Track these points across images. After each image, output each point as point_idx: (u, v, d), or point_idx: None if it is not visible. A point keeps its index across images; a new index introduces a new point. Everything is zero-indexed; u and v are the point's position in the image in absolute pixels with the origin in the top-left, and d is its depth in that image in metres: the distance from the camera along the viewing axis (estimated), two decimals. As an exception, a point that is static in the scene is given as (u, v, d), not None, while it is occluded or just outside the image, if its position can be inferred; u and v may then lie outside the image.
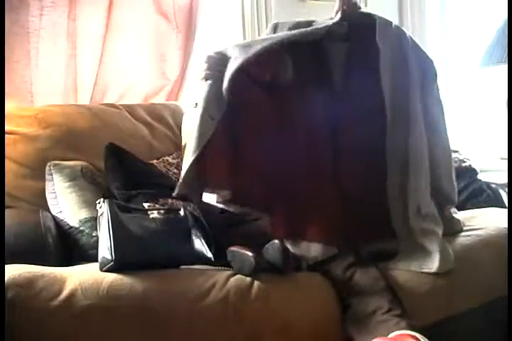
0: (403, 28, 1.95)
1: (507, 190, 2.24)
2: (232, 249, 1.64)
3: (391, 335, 1.45)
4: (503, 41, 2.56)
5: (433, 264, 1.69)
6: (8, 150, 2.04)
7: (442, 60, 3.34)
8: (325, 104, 1.85)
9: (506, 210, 2.20)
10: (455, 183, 1.92)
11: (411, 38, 1.92)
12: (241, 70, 1.66)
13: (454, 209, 1.96)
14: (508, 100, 2.55)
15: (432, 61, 1.94)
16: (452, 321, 1.69)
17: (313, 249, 1.74)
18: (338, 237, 1.76)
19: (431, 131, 1.85)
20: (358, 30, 1.88)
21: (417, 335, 1.43)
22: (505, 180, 2.46)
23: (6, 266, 1.44)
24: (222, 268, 1.64)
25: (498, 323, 1.76)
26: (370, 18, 1.89)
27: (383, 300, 1.57)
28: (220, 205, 1.79)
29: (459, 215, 2.00)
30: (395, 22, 2.74)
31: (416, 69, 1.86)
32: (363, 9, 1.93)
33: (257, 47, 1.68)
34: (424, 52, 1.94)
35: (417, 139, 1.80)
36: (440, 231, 1.81)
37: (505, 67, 2.60)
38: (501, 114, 2.75)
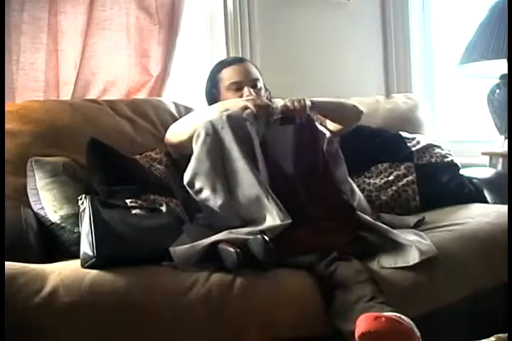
0: None
1: (507, 188, 2.24)
2: (218, 246, 1.64)
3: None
4: (484, 37, 2.57)
5: (415, 254, 1.71)
6: (-11, 147, 2.02)
7: (425, 56, 3.35)
8: None
9: (491, 206, 2.22)
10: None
11: None
12: None
13: None
14: (508, 99, 2.56)
15: None
16: (435, 315, 1.71)
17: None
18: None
19: None
20: None
21: (402, 316, 1.45)
22: (486, 175, 2.48)
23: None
24: (205, 264, 1.63)
25: (481, 316, 1.78)
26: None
27: (366, 289, 1.59)
28: None
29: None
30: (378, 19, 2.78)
31: None
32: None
33: None
34: None
35: None
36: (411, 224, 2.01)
37: (485, 62, 2.61)
38: (482, 109, 2.76)
